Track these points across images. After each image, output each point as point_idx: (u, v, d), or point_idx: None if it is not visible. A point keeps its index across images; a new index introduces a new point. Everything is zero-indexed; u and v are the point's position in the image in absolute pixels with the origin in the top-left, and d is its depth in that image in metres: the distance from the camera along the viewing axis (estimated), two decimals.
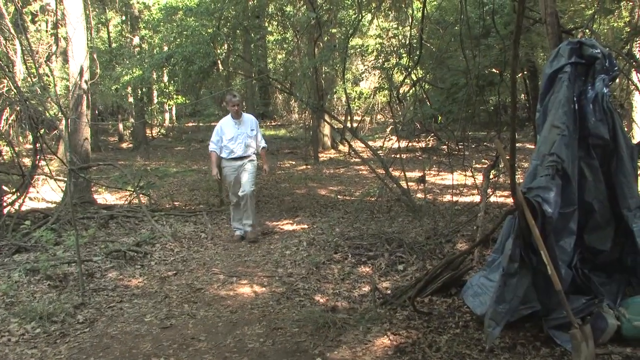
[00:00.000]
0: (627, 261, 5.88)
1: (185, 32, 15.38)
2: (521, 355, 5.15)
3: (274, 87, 28.01)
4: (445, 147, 13.97)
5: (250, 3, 15.88)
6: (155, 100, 29.87)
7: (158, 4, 21.64)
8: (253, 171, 10.20)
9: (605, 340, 5.21)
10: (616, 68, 6.24)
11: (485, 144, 17.59)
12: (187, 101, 25.43)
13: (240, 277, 7.98)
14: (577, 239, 5.63)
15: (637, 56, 11.79)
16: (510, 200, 9.42)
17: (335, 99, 25.56)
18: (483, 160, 16.15)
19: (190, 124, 33.62)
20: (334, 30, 19.24)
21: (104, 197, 14.75)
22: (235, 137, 10.06)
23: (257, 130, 10.37)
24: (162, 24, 20.19)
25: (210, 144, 10.34)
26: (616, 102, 13.66)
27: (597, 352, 4.90)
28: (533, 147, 6.46)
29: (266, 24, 19.86)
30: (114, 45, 28.94)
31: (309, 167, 20.14)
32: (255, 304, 6.85)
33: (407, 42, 13.57)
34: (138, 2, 24.41)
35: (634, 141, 12.34)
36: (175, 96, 25.87)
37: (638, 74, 10.62)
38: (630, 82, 13.25)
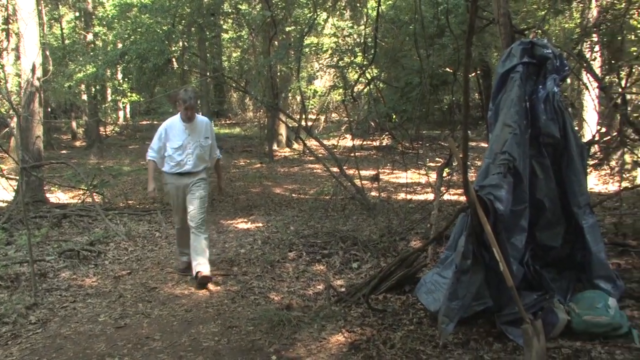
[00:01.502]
0: (577, 257, 6.00)
1: (139, 29, 15.28)
2: (474, 351, 5.21)
3: (229, 86, 27.90)
4: (399, 145, 14.06)
5: (206, 1, 15.82)
6: (109, 98, 29.58)
7: (112, 1, 21.42)
8: (204, 196, 7.82)
9: (556, 335, 5.31)
10: (567, 68, 6.36)
11: (439, 142, 17.75)
12: (141, 99, 25.20)
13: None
14: (528, 236, 5.72)
15: (587, 56, 11.99)
16: (463, 198, 9.52)
17: (290, 98, 25.55)
18: (437, 159, 16.29)
19: (144, 122, 33.31)
20: (289, 29, 19.24)
21: (57, 196, 14.55)
22: (184, 145, 7.65)
23: (212, 137, 7.93)
24: (116, 20, 20.01)
25: (149, 150, 7.83)
26: (567, 101, 13.88)
27: (548, 346, 4.98)
28: (486, 145, 6.53)
29: (221, 22, 19.81)
30: (67, 41, 28.53)
31: (263, 165, 20.11)
32: (210, 303, 6.82)
33: (362, 40, 13.62)
34: None
35: (585, 140, 12.60)
36: (129, 94, 25.60)
37: (588, 74, 10.79)
38: (580, 81, 13.49)
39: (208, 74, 19.40)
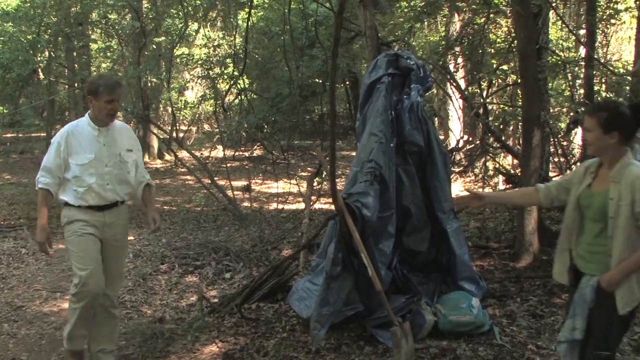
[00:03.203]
0: (443, 260, 6.26)
1: (2, 38, 14.76)
2: (346, 355, 5.32)
3: None
4: (270, 156, 14.15)
5: (73, 10, 15.46)
6: None
7: None
8: (126, 247, 5.67)
9: (424, 336, 5.51)
10: (430, 79, 6.63)
11: (310, 152, 17.95)
12: (5, 111, 24.25)
13: (64, 292, 7.68)
14: (395, 241, 5.91)
15: (451, 68, 12.44)
16: (333, 206, 9.70)
17: (161, 109, 25.21)
18: (308, 168, 16.46)
19: (8, 135, 32.03)
20: (159, 40, 19.05)
21: None
22: (97, 160, 4.96)
23: (137, 150, 5.32)
24: None
25: (39, 173, 5.00)
26: (432, 111, 14.35)
27: (417, 346, 5.16)
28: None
29: (90, 32, 19.38)
30: None
31: None
32: None
33: (233, 51, 13.64)
34: None
35: (450, 148, 13.07)
36: None
37: (451, 84, 11.22)
38: (444, 92, 13.97)
39: (76, 85, 18.92)
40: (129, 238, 7.36)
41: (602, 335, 3.58)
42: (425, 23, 15.57)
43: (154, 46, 18.70)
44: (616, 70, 9.13)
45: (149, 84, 19.97)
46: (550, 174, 10.64)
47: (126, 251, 5.74)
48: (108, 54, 22.76)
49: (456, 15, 12.82)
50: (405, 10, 11.03)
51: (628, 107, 3.62)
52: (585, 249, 3.67)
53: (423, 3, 9.00)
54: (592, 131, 3.56)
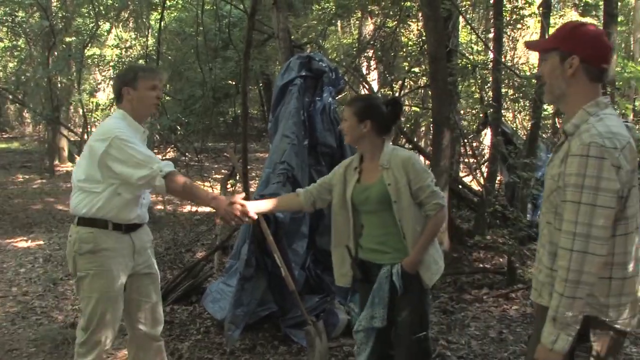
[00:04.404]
0: None
1: None
2: (261, 355, 5.36)
3: (4, 97, 26.59)
4: (184, 158, 14.06)
5: None
6: None
7: None
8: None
9: (337, 334, 5.60)
10: (342, 81, 6.71)
11: (224, 154, 17.89)
12: None
13: None
14: (309, 241, 5.97)
15: (364, 70, 12.60)
16: None
17: (72, 110, 24.71)
18: (222, 170, 16.41)
19: None
20: (70, 40, 18.68)
21: None
22: None
23: None
24: None
25: (151, 160, 3.79)
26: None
27: (330, 345, 5.21)
28: None
29: None
30: None
31: (44, 181, 19.32)
32: None
33: (145, 52, 13.52)
34: None
35: None
36: None
37: (364, 86, 11.36)
38: (357, 94, 14.12)
39: None
40: (39, 242, 7.11)
41: (416, 318, 3.71)
42: (339, 25, 15.74)
43: (64, 46, 18.35)
44: (522, 73, 9.40)
45: (59, 85, 19.58)
46: (461, 174, 10.91)
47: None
48: (15, 54, 22.20)
49: (369, 18, 12.98)
50: (319, 12, 11.13)
51: (384, 101, 3.85)
52: (374, 241, 3.78)
53: (336, 6, 9.09)
54: (348, 120, 3.76)
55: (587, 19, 15.69)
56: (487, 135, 12.07)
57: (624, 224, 2.55)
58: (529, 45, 3.07)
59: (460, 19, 9.91)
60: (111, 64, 18.63)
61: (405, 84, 11.36)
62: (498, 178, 9.37)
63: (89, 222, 3.89)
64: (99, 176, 3.84)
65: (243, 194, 4.15)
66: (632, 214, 2.57)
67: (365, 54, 12.66)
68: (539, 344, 2.60)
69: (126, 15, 16.59)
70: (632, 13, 22.34)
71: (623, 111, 11.87)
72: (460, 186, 9.92)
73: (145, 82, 4.00)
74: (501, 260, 7.97)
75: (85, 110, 17.75)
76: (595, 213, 2.44)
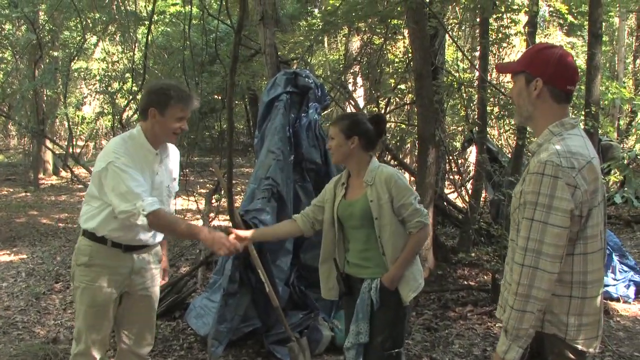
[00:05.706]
0: None
1: None
2: None
3: None
4: None
5: None
6: None
7: None
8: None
9: (321, 350, 5.59)
10: (327, 97, 6.72)
11: (209, 169, 17.88)
12: None
13: None
14: (293, 258, 5.96)
15: (350, 87, 12.62)
16: (230, 223, 9.67)
17: (57, 124, 24.66)
18: (207, 185, 16.39)
19: None
20: (56, 53, 18.65)
21: None
22: (155, 191, 4.00)
23: (177, 178, 4.45)
24: None
25: (136, 194, 3.64)
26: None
27: None
28: None
29: None
30: None
31: (28, 194, 19.22)
32: None
33: (132, 66, 13.48)
34: None
35: None
36: None
37: (350, 103, 11.37)
38: (343, 110, 14.14)
39: None
40: (22, 256, 7.03)
41: (389, 334, 3.72)
42: (326, 42, 15.76)
43: (51, 59, 18.31)
44: (507, 92, 9.44)
45: (45, 98, 19.53)
46: (446, 191, 10.92)
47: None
48: (1, 66, 22.15)
49: (356, 34, 13.02)
50: (306, 29, 11.14)
51: (369, 117, 3.89)
52: (357, 256, 3.82)
53: (322, 23, 9.11)
54: (335, 138, 3.80)
55: (572, 39, 15.78)
56: (472, 153, 12.11)
57: (583, 244, 2.60)
58: (500, 68, 3.19)
59: (447, 37, 9.94)
60: (97, 77, 18.62)
61: (391, 100, 11.38)
62: (483, 195, 9.39)
63: (90, 235, 3.92)
64: (97, 194, 3.84)
65: (234, 234, 3.96)
66: (592, 234, 2.61)
67: (352, 71, 12.69)
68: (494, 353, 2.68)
69: (113, 29, 16.56)
70: (616, 33, 22.62)
71: (607, 131, 11.95)
72: (445, 203, 9.93)
73: (175, 111, 3.85)
74: (485, 277, 7.98)
75: (70, 123, 17.67)
76: (546, 231, 2.50)
